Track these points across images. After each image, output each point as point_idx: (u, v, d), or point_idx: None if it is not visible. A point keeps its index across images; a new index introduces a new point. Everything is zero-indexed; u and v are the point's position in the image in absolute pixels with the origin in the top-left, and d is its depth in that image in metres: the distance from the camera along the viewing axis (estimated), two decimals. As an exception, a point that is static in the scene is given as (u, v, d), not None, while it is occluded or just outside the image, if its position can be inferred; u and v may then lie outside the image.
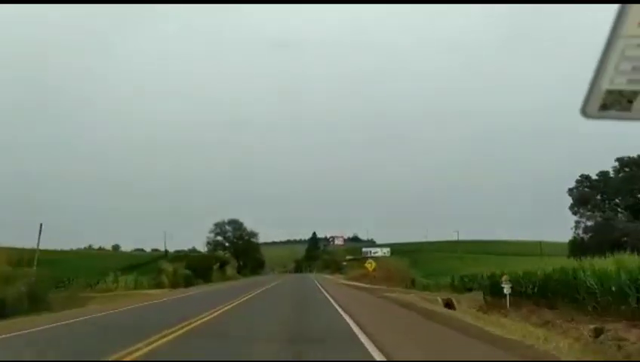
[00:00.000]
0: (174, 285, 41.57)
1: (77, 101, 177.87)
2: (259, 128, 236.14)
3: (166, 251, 76.70)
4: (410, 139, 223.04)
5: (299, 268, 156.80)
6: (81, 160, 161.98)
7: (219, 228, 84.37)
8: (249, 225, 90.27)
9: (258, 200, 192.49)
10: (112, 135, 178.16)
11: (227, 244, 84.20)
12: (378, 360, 7.49)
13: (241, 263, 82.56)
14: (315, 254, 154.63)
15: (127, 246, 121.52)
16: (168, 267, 43.78)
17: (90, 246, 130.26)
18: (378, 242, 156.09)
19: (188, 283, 45.59)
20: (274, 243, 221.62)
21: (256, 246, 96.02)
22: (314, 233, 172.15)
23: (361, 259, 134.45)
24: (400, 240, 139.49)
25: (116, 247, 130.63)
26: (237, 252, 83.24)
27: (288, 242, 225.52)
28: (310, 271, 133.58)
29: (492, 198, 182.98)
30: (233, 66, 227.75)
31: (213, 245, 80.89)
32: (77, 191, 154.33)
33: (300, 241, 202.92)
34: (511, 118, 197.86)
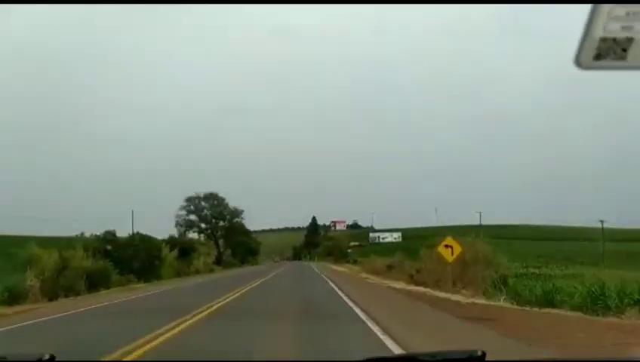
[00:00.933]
0: (54, 293, 20.15)
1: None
2: (254, 114, 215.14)
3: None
4: (414, 122, 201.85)
5: (297, 255, 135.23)
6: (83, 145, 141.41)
7: (191, 204, 62.55)
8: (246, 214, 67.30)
9: (254, 187, 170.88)
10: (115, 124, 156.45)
11: (203, 226, 62.34)
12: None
13: (221, 250, 60.64)
14: (315, 240, 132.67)
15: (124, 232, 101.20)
16: (45, 258, 21.94)
17: (82, 233, 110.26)
18: (379, 229, 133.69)
19: (99, 284, 24.16)
20: (271, 230, 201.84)
21: (243, 228, 73.57)
22: (313, 217, 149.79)
23: (367, 246, 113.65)
24: (404, 225, 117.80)
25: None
26: (215, 234, 60.92)
27: (286, 229, 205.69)
28: (310, 259, 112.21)
29: (508, 182, 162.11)
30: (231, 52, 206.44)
31: (185, 226, 59.48)
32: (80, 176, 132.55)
33: (298, 229, 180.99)
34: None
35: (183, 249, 40.95)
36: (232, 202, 63.74)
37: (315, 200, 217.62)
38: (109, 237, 31.18)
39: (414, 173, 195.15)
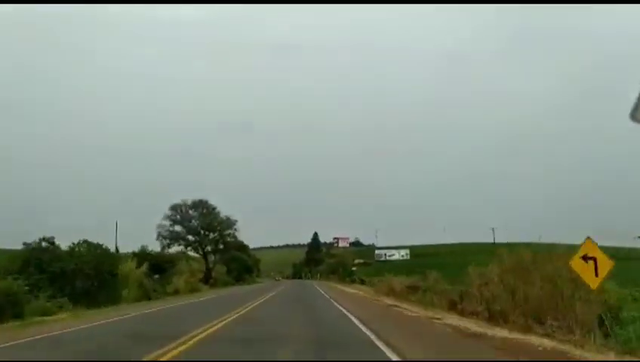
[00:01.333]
0: None
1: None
2: (252, 129, 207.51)
3: (116, 250, 46.73)
4: (414, 138, 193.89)
5: (297, 273, 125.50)
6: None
7: (177, 213, 51.37)
8: (242, 229, 57.61)
9: (253, 204, 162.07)
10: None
11: (191, 238, 53.12)
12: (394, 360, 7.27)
13: (210, 266, 51.21)
14: (317, 257, 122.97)
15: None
16: None
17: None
18: (382, 246, 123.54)
19: (2, 313, 15.45)
20: (272, 247, 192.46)
21: (239, 243, 64.42)
22: (315, 233, 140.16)
23: (373, 263, 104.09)
24: (408, 242, 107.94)
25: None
26: (203, 248, 51.29)
27: (286, 247, 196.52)
28: (312, 278, 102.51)
29: (522, 199, 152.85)
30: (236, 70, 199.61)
31: (170, 239, 49.98)
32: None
33: (299, 246, 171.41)
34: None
35: (157, 264, 32.11)
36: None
37: (315, 218, 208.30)
38: (45, 246, 22.36)
39: (419, 189, 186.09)
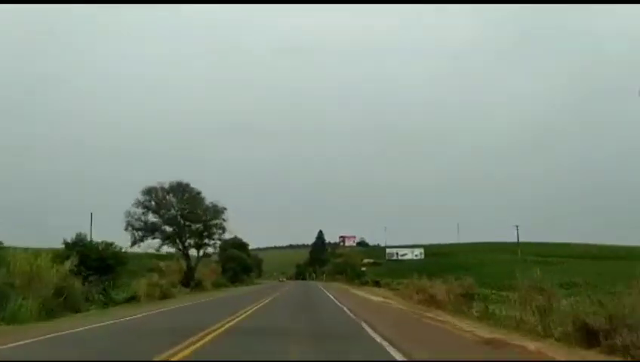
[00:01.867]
0: None
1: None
2: (254, 130, 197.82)
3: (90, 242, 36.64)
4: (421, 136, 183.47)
5: (301, 274, 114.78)
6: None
7: (152, 198, 38.44)
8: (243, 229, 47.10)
9: (257, 204, 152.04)
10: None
11: (169, 229, 39.12)
12: (399, 360, 6.72)
13: (192, 265, 40.07)
14: (322, 257, 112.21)
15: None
16: None
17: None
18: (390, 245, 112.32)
19: None
20: (275, 247, 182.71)
21: (238, 241, 53.87)
22: (320, 232, 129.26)
23: (383, 263, 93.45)
24: (417, 242, 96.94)
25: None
26: (183, 242, 39.81)
27: (290, 247, 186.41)
28: (317, 279, 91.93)
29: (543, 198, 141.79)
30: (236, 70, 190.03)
31: (145, 230, 39.40)
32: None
33: (303, 246, 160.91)
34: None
35: (101, 259, 21.79)
36: (234, 221, 42.79)
37: (318, 218, 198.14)
38: None
39: (423, 189, 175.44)
